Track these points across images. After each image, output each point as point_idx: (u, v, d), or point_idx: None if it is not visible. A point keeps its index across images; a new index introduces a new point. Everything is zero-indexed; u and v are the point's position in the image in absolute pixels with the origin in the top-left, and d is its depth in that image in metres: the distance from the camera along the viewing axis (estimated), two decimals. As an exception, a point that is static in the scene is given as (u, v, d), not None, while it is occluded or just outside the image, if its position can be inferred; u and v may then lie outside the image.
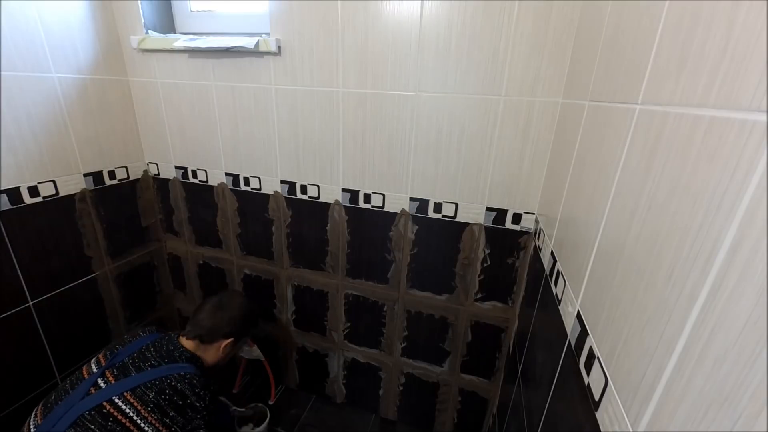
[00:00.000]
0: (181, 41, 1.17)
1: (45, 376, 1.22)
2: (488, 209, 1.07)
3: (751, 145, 0.25)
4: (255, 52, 1.11)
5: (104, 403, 0.85)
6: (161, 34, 1.26)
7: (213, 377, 1.04)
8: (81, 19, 1.16)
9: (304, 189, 1.25)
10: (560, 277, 0.69)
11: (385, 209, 1.18)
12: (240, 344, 1.18)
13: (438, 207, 1.12)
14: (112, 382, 0.89)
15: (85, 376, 0.91)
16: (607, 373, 0.43)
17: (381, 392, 1.49)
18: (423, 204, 1.13)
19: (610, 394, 0.42)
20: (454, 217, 1.11)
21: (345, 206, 1.22)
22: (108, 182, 1.32)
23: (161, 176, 1.46)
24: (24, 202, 1.08)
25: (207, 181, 1.38)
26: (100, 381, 0.89)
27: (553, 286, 0.74)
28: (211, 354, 1.07)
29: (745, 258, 0.25)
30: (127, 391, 0.87)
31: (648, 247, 0.38)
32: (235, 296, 1.19)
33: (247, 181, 1.32)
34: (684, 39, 0.36)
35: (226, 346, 1.08)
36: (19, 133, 1.05)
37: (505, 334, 1.20)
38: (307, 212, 1.28)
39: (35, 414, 0.88)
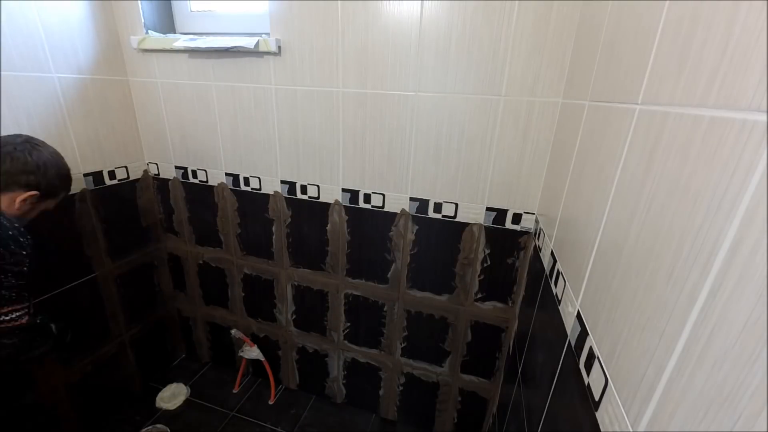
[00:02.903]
0: (181, 41, 1.17)
1: (45, 376, 1.22)
2: (488, 209, 1.07)
3: (751, 146, 0.26)
4: (255, 52, 1.11)
5: None
6: (161, 34, 1.26)
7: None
8: (81, 19, 1.16)
9: (304, 189, 1.25)
10: (560, 277, 0.69)
11: (385, 209, 1.18)
12: (46, 204, 0.90)
13: (438, 207, 1.12)
14: None
15: None
16: (607, 373, 0.43)
17: (381, 392, 1.49)
18: (423, 204, 1.13)
19: (610, 394, 0.42)
20: (454, 217, 1.11)
21: (345, 206, 1.22)
22: (108, 182, 1.32)
23: (161, 176, 1.46)
24: (24, 202, 1.08)
25: (207, 181, 1.38)
26: None
27: (553, 286, 0.74)
28: (3, 205, 0.81)
29: (745, 258, 0.25)
30: None
31: (648, 247, 0.38)
32: (45, 144, 0.90)
33: (247, 181, 1.32)
34: (684, 39, 0.36)
35: (24, 200, 0.82)
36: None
37: (505, 334, 1.20)
38: (307, 212, 1.28)
39: None
